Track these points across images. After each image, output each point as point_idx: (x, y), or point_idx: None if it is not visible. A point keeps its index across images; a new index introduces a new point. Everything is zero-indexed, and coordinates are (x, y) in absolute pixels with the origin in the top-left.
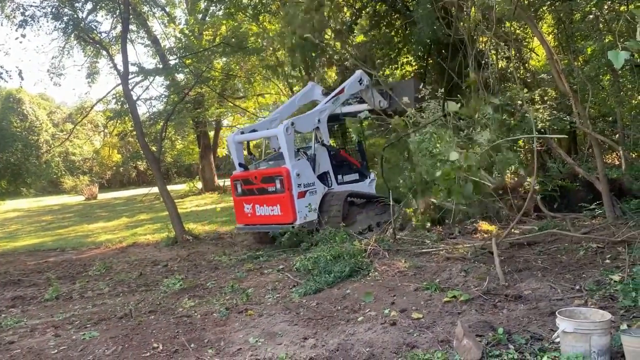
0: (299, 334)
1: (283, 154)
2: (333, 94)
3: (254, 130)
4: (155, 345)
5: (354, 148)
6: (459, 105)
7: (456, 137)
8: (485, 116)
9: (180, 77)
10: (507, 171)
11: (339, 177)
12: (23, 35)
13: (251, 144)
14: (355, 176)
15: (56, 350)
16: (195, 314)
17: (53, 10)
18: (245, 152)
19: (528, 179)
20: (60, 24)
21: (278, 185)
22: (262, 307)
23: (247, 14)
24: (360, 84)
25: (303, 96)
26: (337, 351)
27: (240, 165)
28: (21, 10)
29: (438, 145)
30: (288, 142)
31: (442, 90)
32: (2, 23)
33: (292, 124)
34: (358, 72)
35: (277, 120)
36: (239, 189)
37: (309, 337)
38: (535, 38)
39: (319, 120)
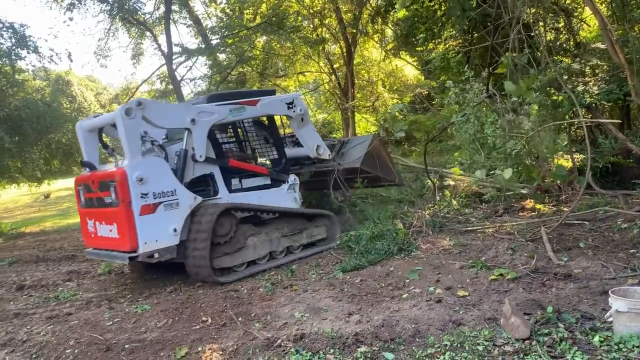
0: (343, 310)
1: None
2: (240, 100)
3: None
4: (204, 318)
5: (261, 147)
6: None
7: (499, 120)
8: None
9: (222, 57)
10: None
11: (235, 181)
12: (71, 19)
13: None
14: (265, 181)
15: (111, 322)
16: (242, 288)
17: None
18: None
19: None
20: (105, 6)
21: (113, 196)
22: (306, 283)
23: None
24: (289, 108)
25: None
26: (383, 327)
27: (83, 164)
28: None
29: (482, 126)
30: (128, 131)
31: (487, 69)
32: (50, 7)
33: (140, 104)
34: (294, 94)
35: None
36: (83, 199)
37: (354, 312)
38: (586, 7)
39: (192, 121)
